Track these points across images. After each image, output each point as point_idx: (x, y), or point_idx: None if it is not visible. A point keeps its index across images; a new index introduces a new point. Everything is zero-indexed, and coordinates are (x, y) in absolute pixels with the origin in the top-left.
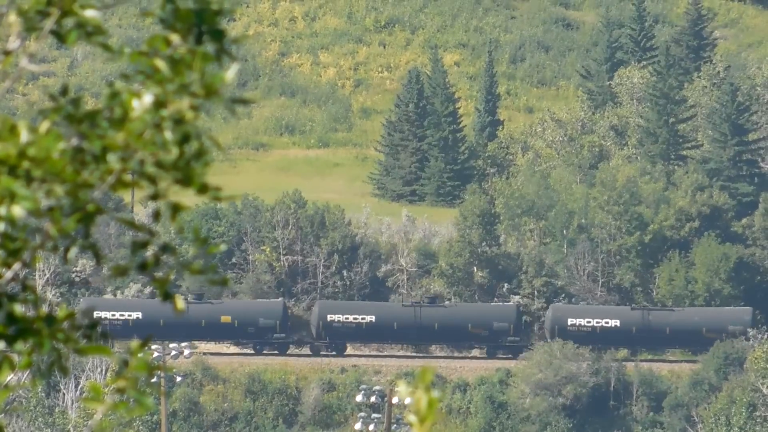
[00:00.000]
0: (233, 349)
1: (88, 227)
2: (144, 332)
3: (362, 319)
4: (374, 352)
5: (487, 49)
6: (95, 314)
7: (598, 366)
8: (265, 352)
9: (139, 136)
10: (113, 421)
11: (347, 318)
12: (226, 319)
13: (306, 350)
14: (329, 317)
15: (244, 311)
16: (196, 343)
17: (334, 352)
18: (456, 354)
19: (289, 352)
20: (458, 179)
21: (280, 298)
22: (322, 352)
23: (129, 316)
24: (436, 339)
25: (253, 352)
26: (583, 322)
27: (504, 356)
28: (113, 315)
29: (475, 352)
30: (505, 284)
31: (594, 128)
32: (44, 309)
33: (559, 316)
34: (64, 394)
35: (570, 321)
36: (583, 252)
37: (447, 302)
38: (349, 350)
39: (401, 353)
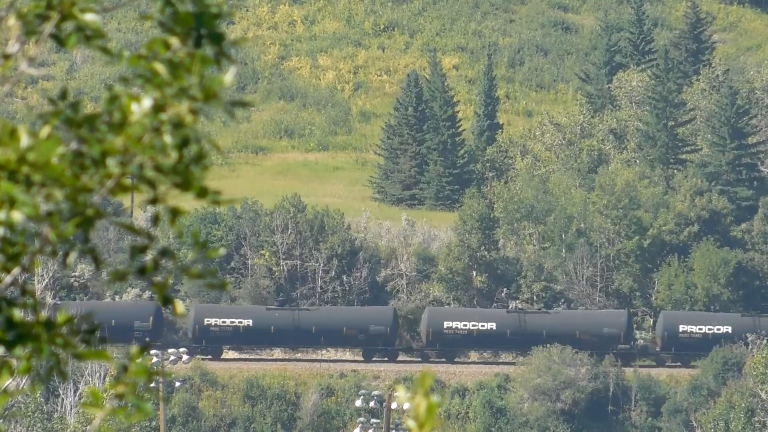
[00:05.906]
0: (232, 354)
1: (87, 232)
2: (253, 338)
3: (473, 326)
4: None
5: (486, 53)
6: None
7: (597, 371)
8: (374, 359)
9: (139, 140)
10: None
11: (457, 324)
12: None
13: (415, 357)
14: (446, 324)
15: (356, 318)
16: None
17: (444, 359)
18: (455, 359)
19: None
20: (457, 183)
21: (391, 306)
22: (431, 359)
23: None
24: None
25: (362, 359)
26: (695, 329)
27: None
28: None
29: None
30: (504, 289)
31: (593, 132)
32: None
33: (669, 323)
34: (63, 399)
35: (681, 328)
36: (582, 256)
37: (554, 309)
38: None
39: (400, 358)
